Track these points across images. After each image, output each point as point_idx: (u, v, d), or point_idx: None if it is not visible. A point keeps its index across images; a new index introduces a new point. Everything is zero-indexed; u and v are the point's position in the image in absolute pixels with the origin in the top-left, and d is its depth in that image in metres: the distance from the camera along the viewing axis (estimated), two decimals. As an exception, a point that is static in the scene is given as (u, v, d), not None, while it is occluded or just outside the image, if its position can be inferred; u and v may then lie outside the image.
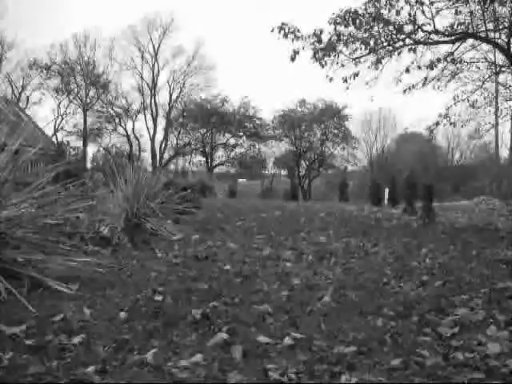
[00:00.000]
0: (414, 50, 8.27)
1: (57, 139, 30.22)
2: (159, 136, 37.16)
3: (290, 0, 43.10)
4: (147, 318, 1.99)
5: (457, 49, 8.76)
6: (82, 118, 35.35)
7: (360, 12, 7.47)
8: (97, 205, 4.74)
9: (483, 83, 10.21)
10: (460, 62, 9.12)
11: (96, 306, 2.15)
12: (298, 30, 7.41)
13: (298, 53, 7.49)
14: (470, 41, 8.89)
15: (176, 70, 37.12)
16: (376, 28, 7.74)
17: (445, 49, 8.82)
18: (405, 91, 8.76)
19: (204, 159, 36.51)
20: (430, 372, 1.47)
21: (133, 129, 36.72)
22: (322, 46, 7.59)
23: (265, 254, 3.73)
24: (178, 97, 37.37)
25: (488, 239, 4.89)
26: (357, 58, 7.90)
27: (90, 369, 1.47)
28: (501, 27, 8.51)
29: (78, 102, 35.32)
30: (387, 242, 4.62)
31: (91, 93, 35.17)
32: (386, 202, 15.14)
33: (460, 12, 8.08)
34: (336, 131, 34.23)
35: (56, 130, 34.47)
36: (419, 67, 8.42)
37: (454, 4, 7.99)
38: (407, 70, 8.39)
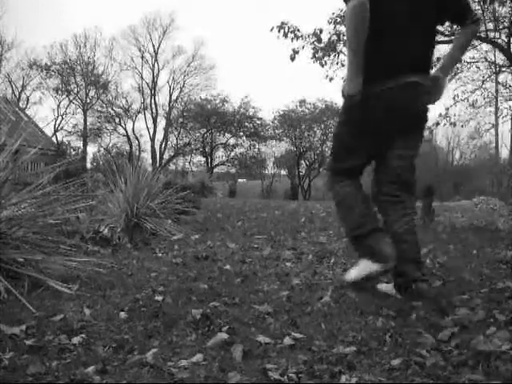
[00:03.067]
0: (414, 50, 8.26)
1: (57, 139, 30.27)
2: (159, 136, 37.20)
3: (290, 0, 43.14)
4: (147, 318, 1.99)
5: (457, 49, 8.75)
6: (82, 117, 35.39)
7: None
8: (97, 205, 4.74)
9: (483, 83, 10.21)
10: (460, 61, 9.12)
11: (96, 306, 2.15)
12: (298, 30, 7.42)
13: (297, 52, 7.49)
14: (470, 41, 8.89)
15: (176, 70, 37.17)
16: (376, 28, 7.73)
17: (445, 49, 8.82)
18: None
19: (204, 159, 36.51)
20: (430, 372, 1.47)
21: (133, 129, 36.78)
22: (322, 45, 7.59)
23: (265, 254, 3.73)
24: (177, 97, 37.39)
25: (488, 239, 4.89)
26: (357, 57, 7.91)
27: (90, 369, 1.47)
28: (501, 27, 8.52)
29: (78, 102, 35.35)
30: (387, 241, 4.61)
31: (91, 93, 35.21)
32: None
33: (460, 12, 8.07)
34: (336, 131, 34.15)
35: (56, 130, 34.50)
36: (419, 67, 8.42)
37: (454, 4, 7.99)
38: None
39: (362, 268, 2.37)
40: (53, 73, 33.66)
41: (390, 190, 2.34)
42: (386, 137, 2.32)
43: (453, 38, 8.22)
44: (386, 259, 2.28)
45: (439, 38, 8.26)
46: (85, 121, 34.65)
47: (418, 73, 2.25)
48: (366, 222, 2.36)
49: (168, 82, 37.02)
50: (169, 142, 36.55)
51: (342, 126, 2.44)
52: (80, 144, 33.75)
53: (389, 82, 2.20)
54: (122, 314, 2.03)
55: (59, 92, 34.10)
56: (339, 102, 32.65)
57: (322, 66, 7.92)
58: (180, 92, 36.78)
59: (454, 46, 2.45)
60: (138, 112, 36.26)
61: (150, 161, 34.12)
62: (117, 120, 35.81)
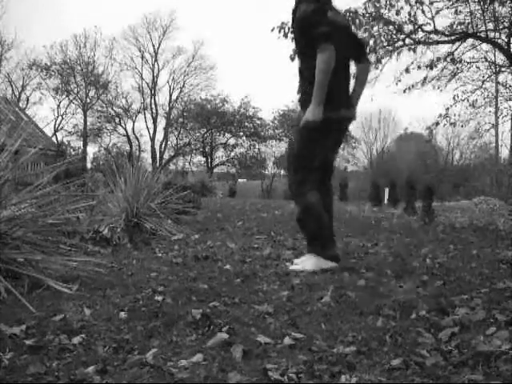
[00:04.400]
0: (414, 50, 8.27)
1: (57, 139, 30.25)
2: (159, 136, 37.16)
3: (290, 0, 43.10)
4: (147, 318, 1.99)
5: (457, 49, 8.76)
6: (82, 117, 35.35)
7: (360, 12, 7.48)
8: (97, 205, 4.74)
9: (483, 83, 10.21)
10: (460, 61, 9.13)
11: (96, 306, 2.15)
12: (298, 30, 7.39)
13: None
14: (470, 41, 8.89)
15: (176, 70, 37.15)
16: (376, 28, 7.75)
17: (445, 49, 8.82)
18: (404, 91, 8.76)
19: (204, 159, 36.48)
20: (430, 372, 1.47)
21: (133, 129, 36.77)
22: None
23: (265, 254, 3.73)
24: (177, 97, 37.36)
25: (488, 239, 4.90)
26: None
27: (90, 369, 1.47)
28: (501, 27, 8.52)
29: (78, 102, 35.32)
30: (387, 241, 4.62)
31: (91, 93, 35.18)
32: (386, 202, 15.14)
33: (460, 12, 8.09)
34: (336, 131, 34.12)
35: (56, 130, 34.51)
36: (419, 67, 8.42)
37: (453, 4, 8.00)
38: (407, 70, 8.39)
39: (316, 262, 3.09)
40: (53, 73, 33.64)
41: (327, 182, 3.32)
42: (332, 145, 3.27)
43: (453, 37, 8.23)
44: (337, 260, 3.16)
45: (439, 38, 8.27)
46: (85, 121, 34.64)
47: (351, 106, 3.23)
48: (326, 230, 3.17)
49: (168, 82, 37.02)
50: (169, 142, 36.55)
51: (308, 141, 3.14)
52: (80, 144, 33.75)
53: (342, 112, 3.15)
54: (122, 314, 2.03)
55: (59, 92, 34.08)
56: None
57: (322, 66, 7.92)
58: (180, 92, 36.79)
59: (356, 83, 3.29)
60: (138, 112, 36.26)
61: (150, 161, 34.13)
62: (117, 120, 35.80)
